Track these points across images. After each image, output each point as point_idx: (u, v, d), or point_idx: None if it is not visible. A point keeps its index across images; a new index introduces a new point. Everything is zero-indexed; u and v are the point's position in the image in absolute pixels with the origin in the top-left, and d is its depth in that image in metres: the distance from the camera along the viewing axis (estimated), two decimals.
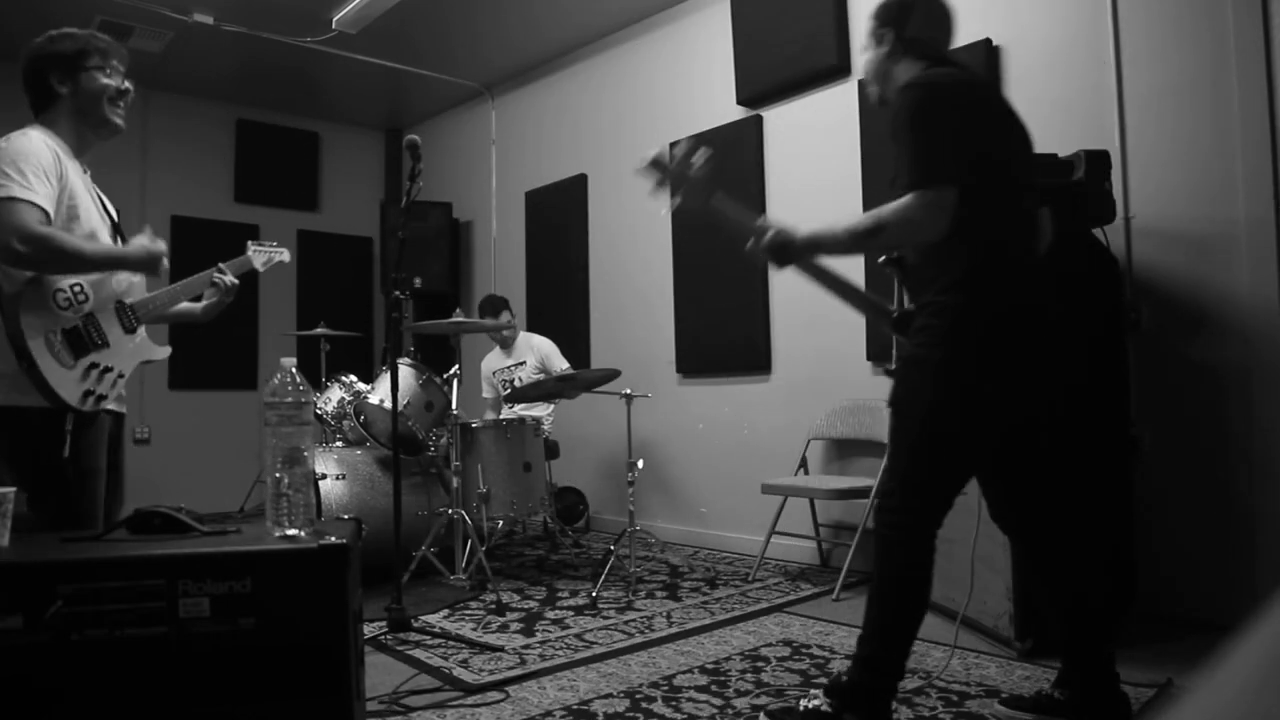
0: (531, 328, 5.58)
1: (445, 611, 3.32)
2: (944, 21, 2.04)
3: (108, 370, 2.12)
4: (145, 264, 2.16)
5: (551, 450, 4.68)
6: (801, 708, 2.04)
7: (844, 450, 4.13)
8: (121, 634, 1.43)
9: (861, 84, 4.08)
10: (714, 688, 2.42)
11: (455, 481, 3.75)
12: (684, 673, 2.56)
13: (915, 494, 1.95)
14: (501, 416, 4.72)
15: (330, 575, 1.53)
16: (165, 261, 2.19)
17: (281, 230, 6.69)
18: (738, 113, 4.65)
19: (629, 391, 3.79)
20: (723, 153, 4.99)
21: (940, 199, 1.79)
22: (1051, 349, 1.98)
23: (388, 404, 3.62)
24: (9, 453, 2.05)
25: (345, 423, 4.24)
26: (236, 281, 2.48)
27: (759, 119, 4.55)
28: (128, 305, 2.21)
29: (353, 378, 4.39)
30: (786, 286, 4.32)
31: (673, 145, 2.02)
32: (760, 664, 2.63)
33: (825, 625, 3.05)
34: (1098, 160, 2.82)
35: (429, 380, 3.98)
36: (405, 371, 3.88)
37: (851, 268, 3.46)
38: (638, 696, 2.35)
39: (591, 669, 2.61)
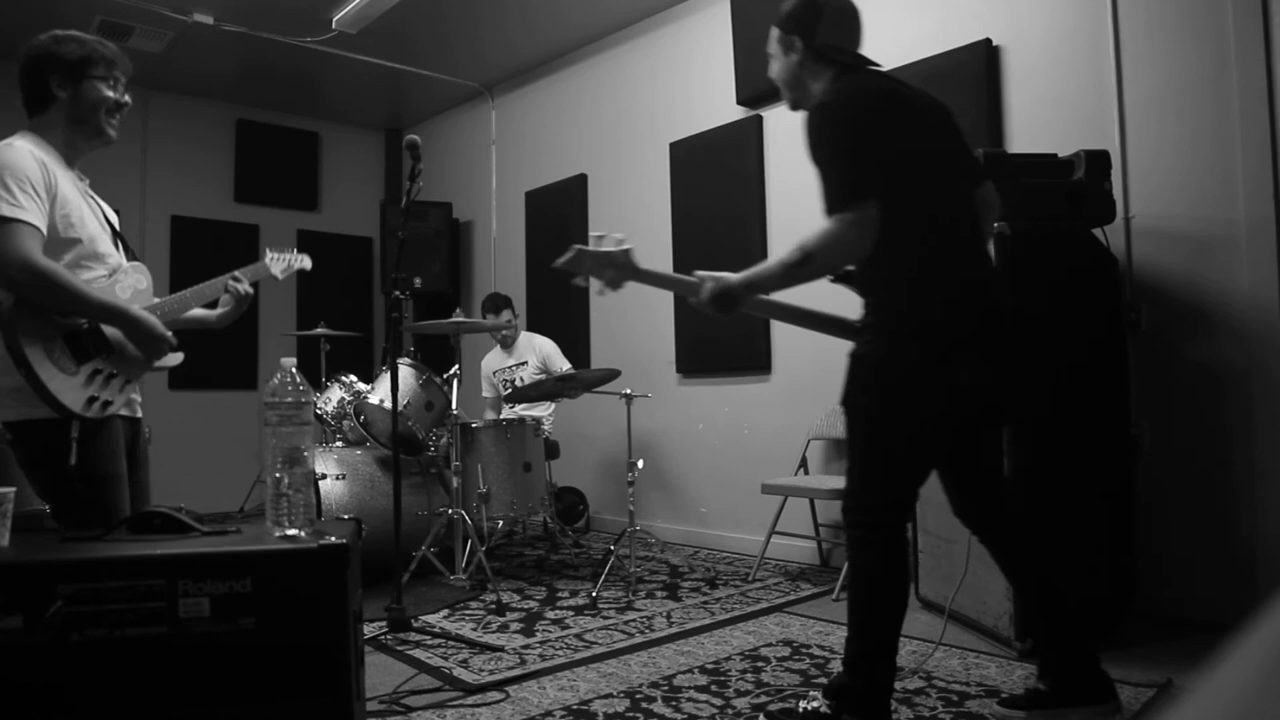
0: (532, 327, 5.58)
1: (445, 611, 3.32)
2: (851, 23, 2.04)
3: (113, 376, 2.07)
4: (146, 339, 2.08)
5: (551, 450, 4.68)
6: (801, 709, 2.04)
7: (844, 450, 4.13)
8: (121, 634, 1.43)
9: None
10: (714, 688, 2.42)
11: (455, 481, 3.75)
12: (684, 673, 2.56)
13: (876, 492, 1.96)
14: (501, 416, 4.72)
15: (330, 575, 1.53)
16: (170, 358, 2.14)
17: (281, 230, 6.70)
18: (738, 113, 4.65)
19: (629, 391, 3.80)
20: (723, 153, 5.03)
21: (862, 217, 1.82)
22: (995, 340, 1.98)
23: (388, 404, 3.62)
24: (26, 464, 2.03)
25: (345, 423, 4.24)
26: (251, 290, 2.42)
27: (759, 119, 4.55)
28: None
29: (353, 378, 4.39)
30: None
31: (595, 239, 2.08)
32: (760, 664, 2.63)
33: (825, 625, 3.04)
34: (1098, 160, 2.82)
35: (429, 380, 3.98)
36: (405, 371, 3.88)
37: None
38: (638, 696, 2.35)
39: (591, 669, 2.61)
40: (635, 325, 5.21)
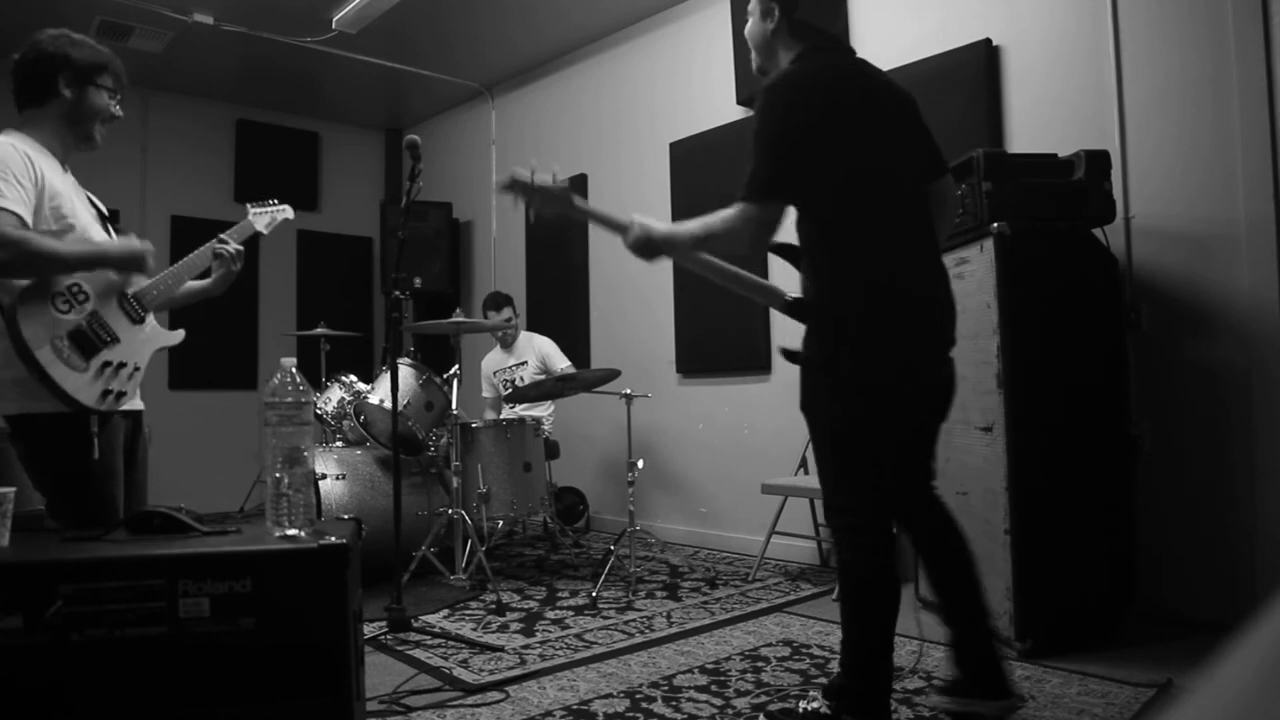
0: (532, 327, 5.58)
1: (445, 611, 3.32)
2: (833, 5, 2.01)
3: (122, 366, 2.08)
4: (128, 261, 2.09)
5: (551, 450, 4.68)
6: (801, 709, 2.04)
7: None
8: (121, 634, 1.43)
9: None
10: (714, 688, 2.42)
11: (455, 481, 3.75)
12: (684, 673, 2.56)
13: (850, 493, 1.95)
14: (501, 416, 4.72)
15: (330, 575, 1.53)
16: (150, 260, 2.13)
17: (281, 230, 6.66)
18: (738, 113, 4.65)
19: (629, 391, 3.80)
20: (723, 153, 5.03)
21: (760, 214, 1.84)
22: (938, 339, 1.96)
23: (388, 404, 3.62)
24: (28, 459, 2.03)
25: (345, 423, 4.24)
26: (241, 248, 2.41)
27: None
28: (130, 296, 2.16)
29: (353, 378, 4.39)
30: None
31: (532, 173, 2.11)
32: (760, 664, 2.63)
33: (825, 625, 3.04)
34: (1098, 160, 2.82)
35: (429, 380, 3.98)
36: (405, 371, 3.88)
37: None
38: (638, 696, 2.35)
39: (591, 669, 2.61)
40: (635, 325, 5.21)
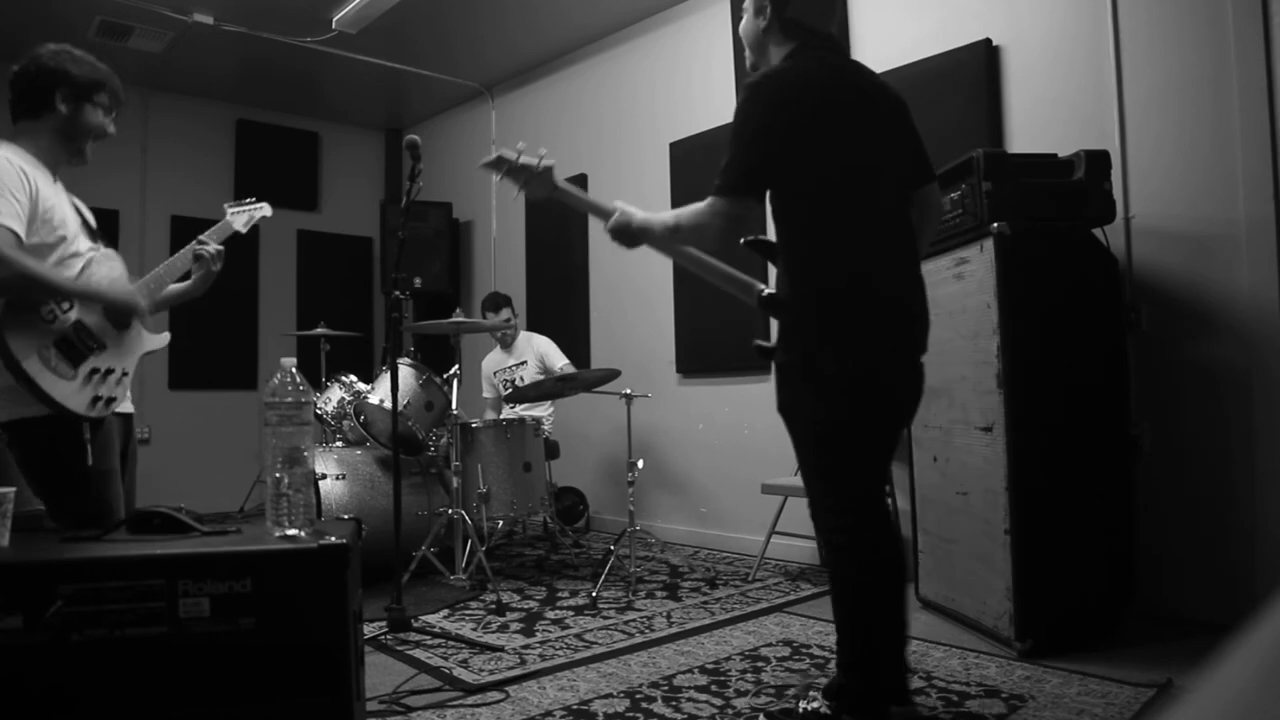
0: (532, 327, 5.58)
1: (445, 611, 3.32)
2: (825, 3, 2.03)
3: (110, 372, 2.10)
4: (121, 308, 2.13)
5: (551, 450, 4.68)
6: (801, 709, 2.04)
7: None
8: (121, 634, 1.43)
9: None
10: (714, 688, 2.42)
11: (455, 481, 3.75)
12: (684, 673, 2.56)
13: (835, 493, 1.95)
14: (502, 416, 4.72)
15: (330, 575, 1.53)
16: (146, 318, 2.18)
17: (281, 230, 6.70)
18: None
19: (629, 391, 3.79)
20: (723, 153, 5.00)
21: (730, 210, 1.85)
22: (906, 342, 1.97)
23: (388, 404, 3.62)
24: (24, 464, 2.05)
25: (345, 423, 4.24)
26: (221, 248, 2.43)
27: None
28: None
29: (353, 378, 4.39)
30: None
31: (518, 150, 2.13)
32: (760, 664, 2.63)
33: (825, 625, 3.04)
34: (1098, 160, 2.82)
35: (429, 380, 3.98)
36: (405, 371, 3.88)
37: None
38: (638, 696, 2.35)
39: (591, 669, 2.61)
40: (635, 325, 5.21)
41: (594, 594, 3.47)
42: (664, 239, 2.01)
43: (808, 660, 2.66)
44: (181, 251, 2.38)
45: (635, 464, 3.74)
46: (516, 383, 4.86)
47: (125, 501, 2.23)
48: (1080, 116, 3.33)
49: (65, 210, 2.11)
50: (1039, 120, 3.47)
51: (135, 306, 2.15)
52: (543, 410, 4.91)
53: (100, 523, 1.97)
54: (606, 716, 2.21)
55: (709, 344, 4.75)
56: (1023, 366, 2.62)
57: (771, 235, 2.07)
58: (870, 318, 1.90)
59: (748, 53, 2.12)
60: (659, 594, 3.57)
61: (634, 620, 3.16)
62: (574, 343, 5.40)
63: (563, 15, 5.21)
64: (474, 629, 3.08)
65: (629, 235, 2.05)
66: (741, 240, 2.11)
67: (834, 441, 1.93)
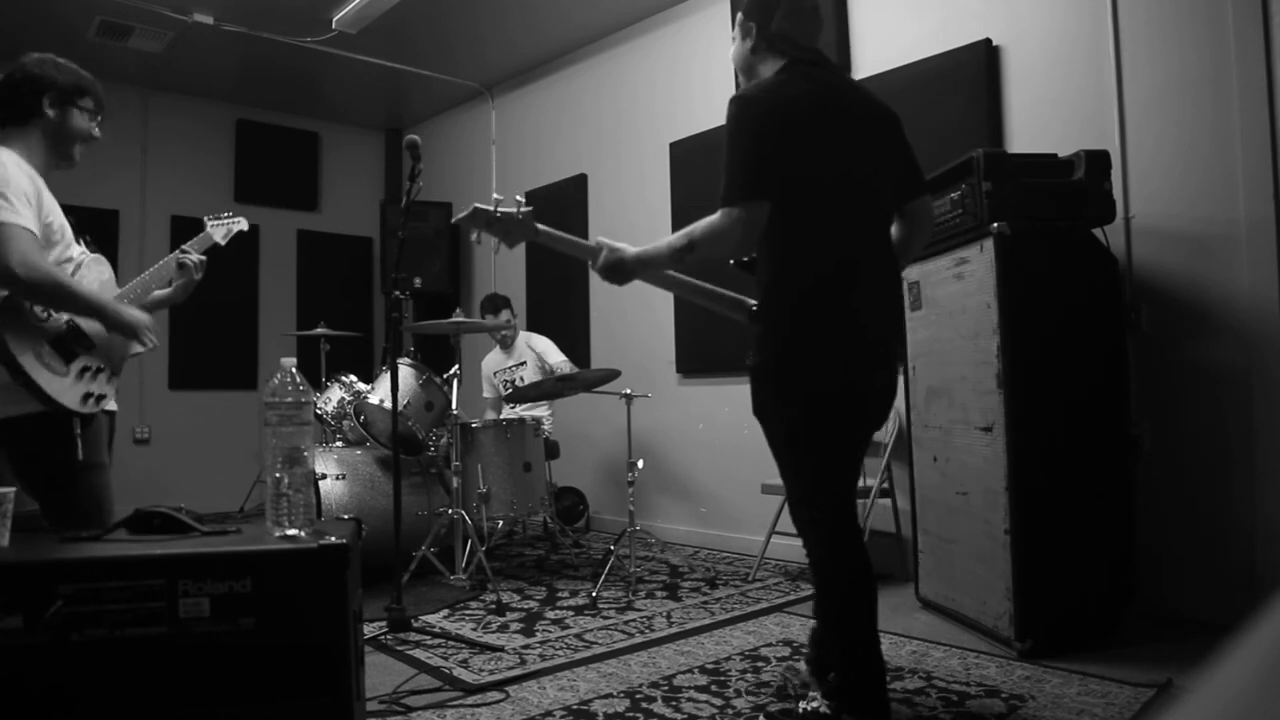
0: (532, 327, 5.58)
1: (445, 611, 3.32)
2: (807, 18, 2.04)
3: (100, 370, 2.17)
4: (126, 328, 2.18)
5: (551, 450, 4.68)
6: (801, 710, 2.05)
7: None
8: (121, 634, 1.43)
9: (861, 83, 4.07)
10: (714, 688, 2.42)
11: (455, 481, 3.75)
12: (684, 673, 2.56)
13: (809, 492, 2.01)
14: (501, 416, 4.72)
15: (330, 575, 1.53)
16: (149, 341, 2.23)
17: (281, 230, 6.70)
18: None
19: (629, 391, 3.80)
20: (723, 153, 5.00)
21: (746, 215, 1.87)
22: (879, 347, 2.02)
23: (388, 404, 3.63)
24: (14, 460, 2.09)
25: (345, 423, 4.24)
26: (204, 258, 2.51)
27: None
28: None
29: (353, 378, 4.39)
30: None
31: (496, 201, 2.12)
32: (760, 664, 2.63)
33: None
34: (1098, 160, 2.82)
35: (429, 380, 3.98)
36: (405, 371, 3.88)
37: None
38: (638, 696, 2.35)
39: (591, 669, 2.61)
40: (635, 325, 5.21)
41: (594, 594, 3.47)
42: (674, 260, 2.00)
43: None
44: (165, 260, 2.47)
45: (635, 464, 3.74)
46: (516, 383, 4.86)
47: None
48: (1080, 116, 3.33)
49: (60, 216, 2.18)
50: (1039, 120, 3.47)
51: (139, 332, 2.21)
52: (543, 410, 4.91)
53: (91, 516, 2.05)
54: (606, 716, 2.21)
55: (709, 344, 4.75)
56: (1023, 366, 2.62)
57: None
58: (841, 324, 1.94)
59: (740, 77, 2.16)
60: (659, 594, 3.57)
61: (634, 620, 3.16)
62: (574, 343, 5.40)
63: (563, 15, 5.21)
64: (474, 629, 3.08)
65: (622, 271, 2.07)
66: (731, 261, 2.16)
67: (804, 443, 1.98)
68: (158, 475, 5.81)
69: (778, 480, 2.13)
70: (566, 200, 5.66)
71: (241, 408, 6.37)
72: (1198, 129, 3.04)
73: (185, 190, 6.28)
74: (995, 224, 2.66)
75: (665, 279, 2.21)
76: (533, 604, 3.43)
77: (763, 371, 2.00)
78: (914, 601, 3.27)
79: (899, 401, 3.40)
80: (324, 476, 3.76)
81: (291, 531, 1.60)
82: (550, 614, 3.27)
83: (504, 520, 4.09)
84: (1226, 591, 2.90)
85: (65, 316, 2.12)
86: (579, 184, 5.63)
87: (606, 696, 2.36)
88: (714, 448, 4.75)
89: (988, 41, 3.61)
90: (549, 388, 4.15)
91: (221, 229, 2.73)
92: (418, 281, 6.09)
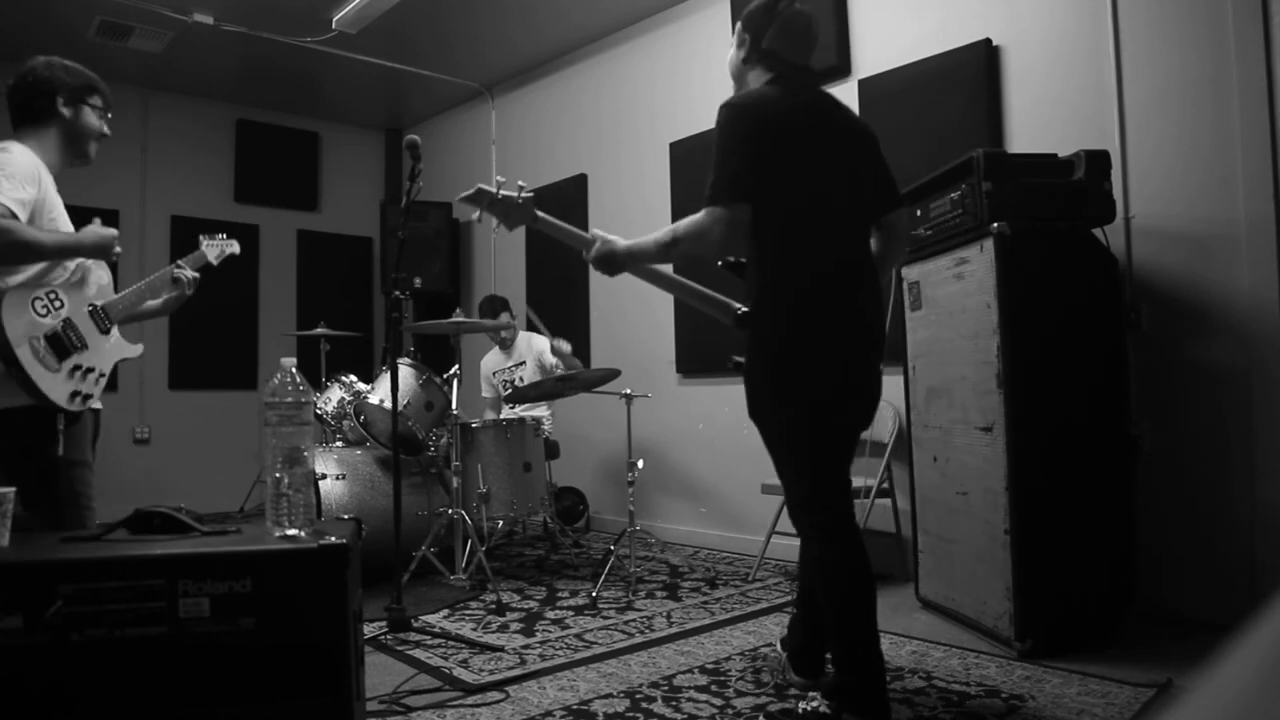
0: (531, 327, 5.58)
1: (445, 611, 3.32)
2: (799, 38, 2.13)
3: (90, 370, 2.22)
4: (98, 248, 2.23)
5: (551, 450, 4.68)
6: (800, 710, 2.05)
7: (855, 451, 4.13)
8: (121, 634, 1.43)
9: (861, 83, 4.08)
10: (714, 688, 2.42)
11: (455, 481, 3.75)
12: (684, 673, 2.56)
13: (809, 492, 2.06)
14: (501, 416, 4.71)
15: (330, 575, 1.53)
16: (117, 247, 2.28)
17: (281, 230, 6.70)
18: None
19: (629, 391, 3.79)
20: (710, 155, 5.00)
21: (727, 215, 1.95)
22: (865, 347, 2.08)
23: (388, 404, 3.63)
24: (1, 454, 2.12)
25: (345, 423, 4.24)
26: (197, 275, 2.60)
27: None
28: (100, 307, 2.32)
29: (353, 378, 4.39)
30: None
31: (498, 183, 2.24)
32: (760, 664, 2.63)
33: None
34: (1098, 160, 2.82)
35: (429, 380, 3.98)
36: (405, 371, 3.88)
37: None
38: (638, 696, 2.35)
39: (591, 669, 2.61)
40: (635, 325, 5.21)
41: (594, 594, 3.47)
42: (660, 255, 2.09)
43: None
44: (161, 272, 2.56)
45: (635, 464, 3.74)
46: (516, 383, 4.86)
47: None
48: (1080, 116, 3.33)
49: (64, 214, 2.25)
50: (1039, 120, 3.47)
51: (109, 244, 2.24)
52: (543, 410, 4.91)
53: (70, 512, 2.11)
54: (606, 716, 2.21)
55: (709, 344, 4.75)
56: (1023, 366, 2.62)
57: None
58: (829, 326, 2.01)
59: (733, 84, 2.25)
60: (659, 594, 3.57)
61: (634, 620, 3.16)
62: (574, 343, 5.38)
63: (563, 15, 5.21)
64: (474, 629, 3.08)
65: (613, 263, 2.17)
66: (719, 263, 2.22)
67: (805, 442, 2.04)
68: (158, 475, 5.81)
69: (778, 480, 2.15)
70: (566, 200, 5.66)
71: (241, 408, 6.36)
72: (1198, 129, 3.04)
73: (185, 190, 6.28)
74: (995, 224, 2.66)
75: (656, 276, 2.31)
76: (533, 604, 3.43)
77: (759, 372, 2.05)
78: (914, 601, 3.27)
79: (899, 401, 3.41)
80: (324, 476, 3.76)
81: (291, 531, 1.60)
82: (550, 614, 3.27)
83: (504, 520, 4.09)
84: (1226, 591, 2.90)
85: (65, 314, 2.18)
86: (579, 184, 5.62)
87: (606, 696, 2.36)
88: (714, 448, 4.75)
89: (988, 41, 3.61)
90: (549, 388, 4.15)
91: (215, 249, 2.81)
92: (418, 281, 6.09)
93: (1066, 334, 2.72)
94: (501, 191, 2.19)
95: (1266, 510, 2.84)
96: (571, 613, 3.28)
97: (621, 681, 2.49)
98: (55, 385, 2.11)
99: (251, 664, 1.47)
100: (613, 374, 4.00)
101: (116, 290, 2.41)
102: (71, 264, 2.24)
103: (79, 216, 2.34)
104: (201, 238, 2.81)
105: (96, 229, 2.25)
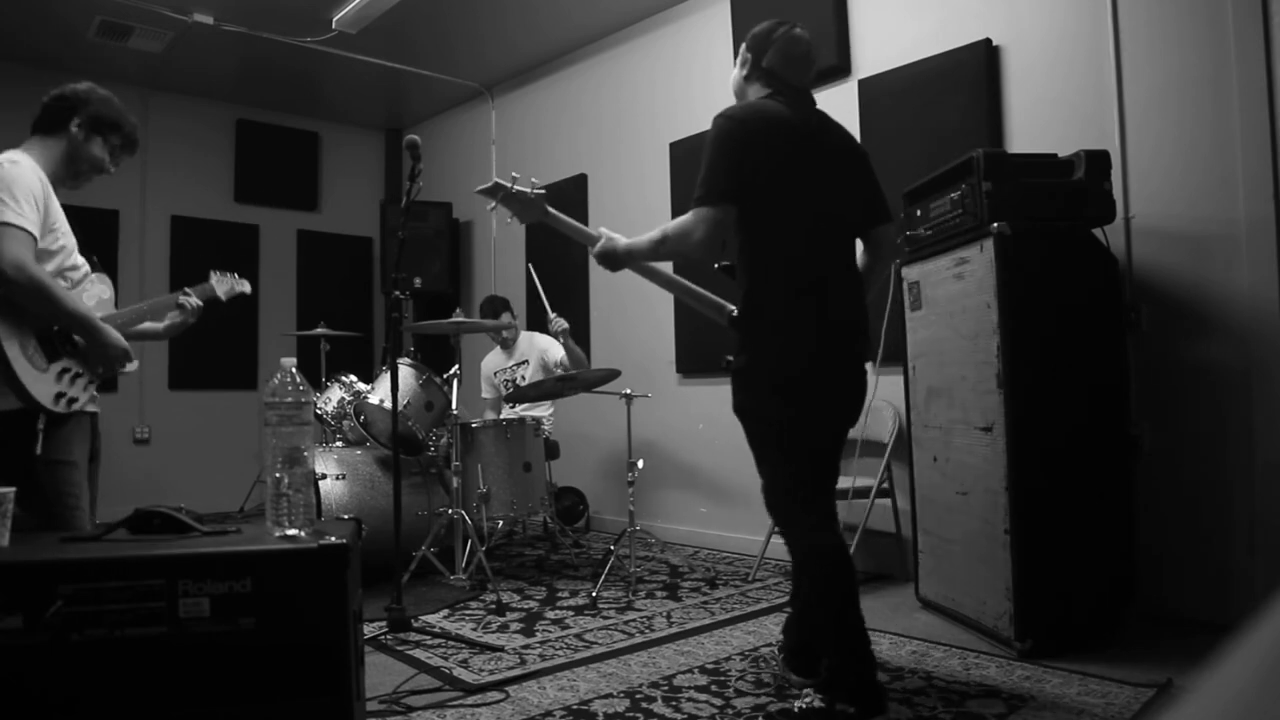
0: (532, 327, 5.58)
1: (445, 611, 3.32)
2: (798, 61, 2.24)
3: (79, 375, 2.23)
4: (108, 353, 2.25)
5: (551, 450, 4.68)
6: (796, 709, 2.06)
7: (843, 450, 4.13)
8: (121, 634, 1.43)
9: (861, 84, 4.08)
10: (714, 688, 2.42)
11: (455, 481, 3.75)
12: (684, 673, 2.56)
13: (781, 490, 2.15)
14: (502, 416, 4.71)
15: (330, 575, 1.53)
16: (129, 365, 2.30)
17: (281, 230, 6.70)
18: None
19: (629, 391, 3.79)
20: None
21: (713, 215, 2.05)
22: (850, 348, 2.17)
23: (388, 404, 3.63)
24: None
25: (345, 423, 4.24)
26: (201, 304, 2.62)
27: None
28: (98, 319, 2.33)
29: (353, 378, 4.39)
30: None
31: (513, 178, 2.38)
32: (760, 664, 2.63)
33: None
34: (1098, 160, 2.82)
35: (429, 380, 3.98)
36: (405, 371, 3.88)
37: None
38: (638, 696, 2.35)
39: (591, 669, 2.61)
40: (635, 325, 5.21)
41: (594, 594, 3.47)
42: (651, 252, 2.20)
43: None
44: (166, 296, 2.59)
45: (635, 464, 3.74)
46: (517, 382, 4.86)
47: (91, 497, 2.32)
48: (1080, 116, 3.33)
49: (66, 226, 2.27)
50: (1039, 120, 3.47)
51: (121, 358, 2.28)
52: (543, 410, 4.91)
53: (54, 512, 2.11)
54: (606, 716, 2.21)
55: (709, 344, 4.74)
56: (1023, 366, 2.62)
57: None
58: (814, 327, 2.09)
59: (734, 99, 2.36)
60: (659, 594, 3.57)
61: (634, 620, 3.16)
62: (574, 343, 5.40)
63: (563, 15, 5.21)
64: (474, 629, 3.08)
65: (614, 259, 2.29)
66: (715, 265, 2.32)
67: (781, 439, 2.11)
68: (158, 475, 5.81)
69: None
70: (567, 200, 5.65)
71: (241, 408, 6.37)
72: (1198, 129, 3.04)
73: (185, 190, 6.28)
74: (995, 224, 2.66)
75: (655, 274, 2.43)
76: (533, 604, 3.43)
77: (743, 371, 2.14)
78: (914, 601, 3.27)
79: (899, 401, 3.41)
80: (324, 476, 3.76)
81: (291, 531, 1.60)
82: (550, 614, 3.27)
83: (504, 520, 4.09)
84: (1226, 591, 2.90)
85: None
86: (579, 184, 5.62)
87: (606, 696, 2.36)
88: (714, 448, 4.75)
89: (988, 41, 3.61)
90: (549, 388, 4.15)
91: (225, 285, 2.83)
92: (418, 281, 6.09)
93: (1066, 334, 2.72)
94: (516, 186, 2.32)
95: (1266, 510, 2.84)
96: (571, 613, 3.28)
97: (621, 681, 2.49)
98: (39, 383, 2.11)
99: (251, 664, 1.47)
100: (613, 374, 4.00)
101: (117, 307, 2.43)
102: (77, 275, 2.26)
103: (79, 216, 2.35)
104: (212, 273, 2.84)
105: (120, 339, 2.26)
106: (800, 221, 2.12)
